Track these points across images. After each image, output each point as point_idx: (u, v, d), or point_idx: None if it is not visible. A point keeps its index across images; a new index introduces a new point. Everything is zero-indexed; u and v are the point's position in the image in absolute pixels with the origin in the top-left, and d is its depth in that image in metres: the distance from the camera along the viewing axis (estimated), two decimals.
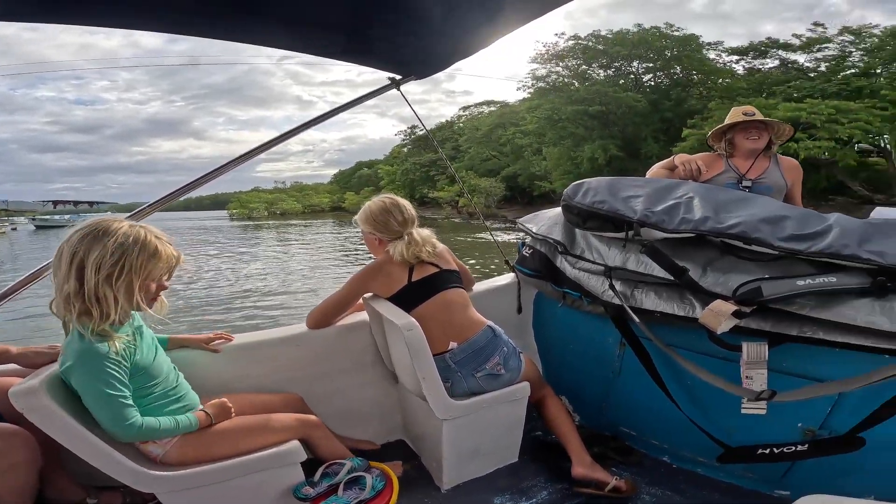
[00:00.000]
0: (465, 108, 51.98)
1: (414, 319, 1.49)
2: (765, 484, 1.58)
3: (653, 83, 26.30)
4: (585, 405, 2.02)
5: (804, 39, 22.93)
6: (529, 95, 30.82)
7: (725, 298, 1.36)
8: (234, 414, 1.39)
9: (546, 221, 2.01)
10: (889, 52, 20.03)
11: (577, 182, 1.86)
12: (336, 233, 29.59)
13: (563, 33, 27.71)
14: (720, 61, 25.94)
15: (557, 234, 1.90)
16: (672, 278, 1.49)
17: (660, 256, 1.52)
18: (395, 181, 47.50)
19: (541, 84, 28.25)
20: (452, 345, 1.57)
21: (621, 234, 1.65)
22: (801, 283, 1.29)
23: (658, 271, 1.53)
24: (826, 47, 22.51)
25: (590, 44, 25.50)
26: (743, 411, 1.37)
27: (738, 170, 2.08)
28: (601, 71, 27.00)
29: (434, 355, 1.52)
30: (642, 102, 23.64)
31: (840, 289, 1.26)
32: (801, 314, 1.29)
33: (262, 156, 2.00)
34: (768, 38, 24.63)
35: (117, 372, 1.16)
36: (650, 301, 1.56)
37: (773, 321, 1.34)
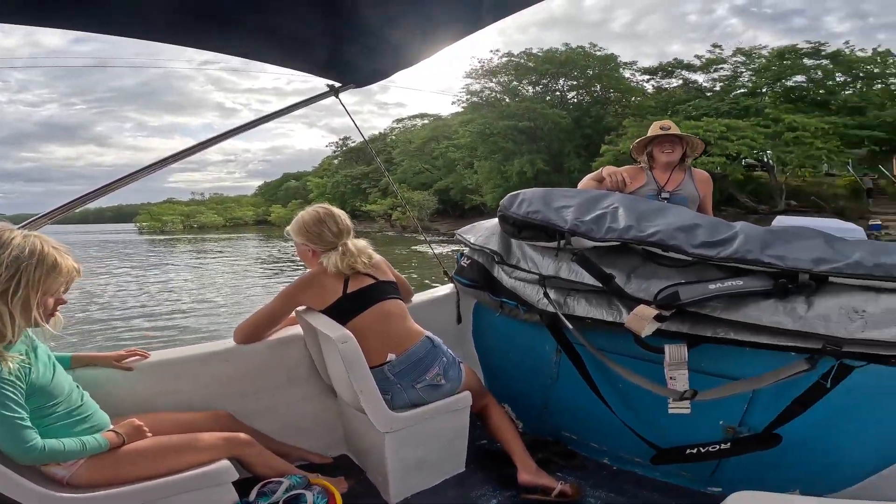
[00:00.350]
0: (398, 121, 52.15)
1: (348, 331, 1.46)
2: (698, 482, 1.64)
3: (576, 100, 27.91)
4: (527, 411, 2.04)
5: (704, 60, 25.54)
6: (462, 110, 31.61)
7: (648, 303, 1.43)
8: (149, 434, 1.28)
9: (483, 232, 2.03)
10: (773, 73, 22.78)
11: (513, 193, 1.89)
12: (270, 246, 28.18)
13: (497, 50, 28.70)
14: (634, 80, 28.12)
15: (494, 244, 1.92)
16: (601, 285, 1.56)
17: (589, 264, 1.58)
18: (326, 194, 46.32)
19: (474, 99, 29.07)
20: (391, 356, 1.55)
21: (554, 244, 1.70)
22: (712, 286, 1.37)
23: (588, 279, 1.59)
24: (721, 68, 25.18)
25: (521, 61, 26.71)
26: (670, 411, 1.43)
27: (658, 182, 2.23)
28: (530, 87, 28.25)
29: (372, 367, 1.49)
30: (566, 119, 25.13)
31: (746, 291, 1.34)
32: (714, 316, 1.37)
33: (176, 165, 1.86)
34: (675, 59, 27.14)
35: (12, 393, 1.07)
36: (582, 308, 1.62)
37: (691, 323, 1.42)
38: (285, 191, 64.51)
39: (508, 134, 26.24)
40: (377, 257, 1.70)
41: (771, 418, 1.42)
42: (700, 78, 26.45)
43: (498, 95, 28.28)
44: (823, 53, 21.90)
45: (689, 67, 26.57)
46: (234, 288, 13.40)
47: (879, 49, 21.28)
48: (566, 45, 26.56)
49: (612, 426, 1.64)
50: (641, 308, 1.42)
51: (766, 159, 21.03)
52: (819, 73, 22.29)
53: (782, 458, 1.45)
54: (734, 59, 24.77)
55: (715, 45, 25.69)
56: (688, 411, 1.42)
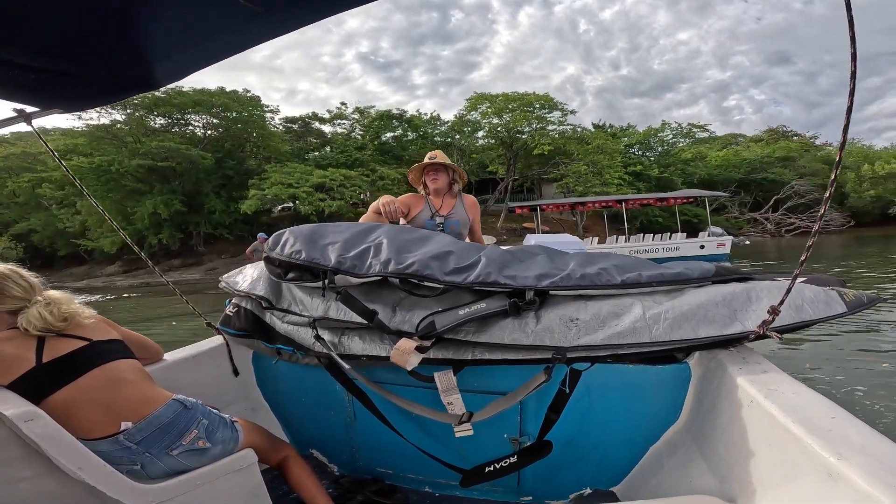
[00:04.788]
0: None
1: (35, 408, 1.16)
2: (510, 494, 1.66)
3: (214, 139, 26.78)
4: (337, 454, 1.95)
5: (332, 114, 30.59)
6: (60, 136, 24.92)
7: (411, 335, 1.45)
8: None
9: (251, 276, 1.93)
10: (374, 130, 29.43)
11: (279, 232, 1.81)
12: None
13: None
14: (274, 125, 29.74)
15: (261, 289, 1.83)
16: (367, 322, 1.54)
17: (352, 302, 1.56)
18: None
19: (98, 130, 23.57)
20: (126, 425, 1.30)
21: (319, 284, 1.67)
22: (461, 312, 1.42)
23: (355, 317, 1.56)
24: (343, 123, 30.77)
25: (165, 97, 23.63)
26: (456, 435, 1.44)
27: (433, 207, 2.37)
28: (160, 119, 25.38)
29: (99, 438, 1.27)
30: (209, 159, 24.26)
31: (489, 313, 1.41)
32: (468, 340, 1.43)
33: None
34: (312, 113, 31.21)
35: None
36: (357, 346, 1.59)
37: (454, 349, 1.46)
38: None
39: (136, 172, 23.18)
40: (88, 312, 1.44)
41: (538, 428, 1.50)
42: (327, 129, 31.49)
43: (128, 128, 24.09)
44: (403, 118, 30.38)
45: (321, 120, 31.27)
46: None
47: (434, 113, 31.53)
48: (222, 88, 25.55)
49: (419, 456, 1.63)
50: (402, 342, 1.44)
51: (365, 199, 26.19)
52: (400, 131, 30.71)
53: (565, 461, 1.52)
54: (353, 115, 30.88)
55: (343, 103, 31.31)
56: (471, 432, 1.45)
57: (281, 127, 30.75)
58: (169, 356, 1.79)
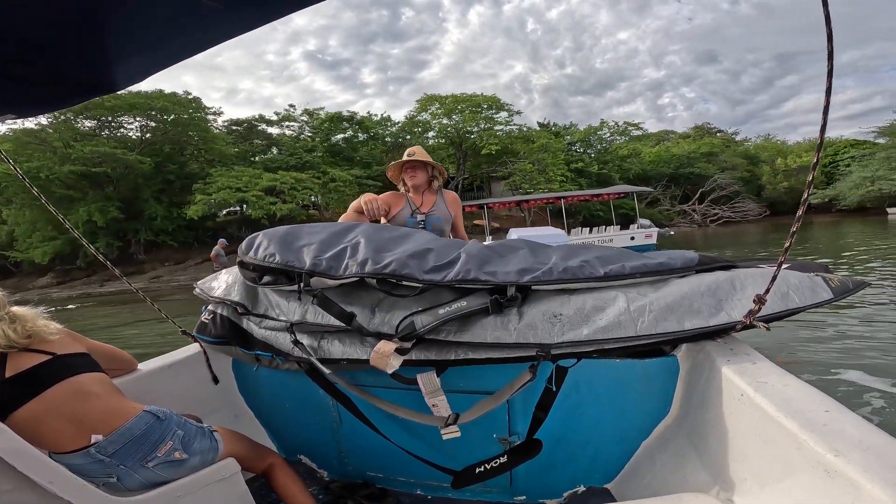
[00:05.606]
0: None
1: None
2: (503, 494, 1.64)
3: (153, 142, 25.60)
4: (325, 459, 1.93)
5: (280, 116, 29.98)
6: None
7: (390, 337, 1.42)
8: None
9: (226, 282, 1.88)
10: (324, 132, 29.23)
11: (252, 235, 1.78)
12: None
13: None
14: (216, 126, 28.73)
15: (237, 294, 1.78)
16: (345, 325, 1.50)
17: (329, 305, 1.52)
18: None
19: (25, 135, 21.88)
20: (96, 438, 1.29)
21: (295, 287, 1.60)
22: (442, 311, 1.39)
23: (334, 320, 1.52)
24: (291, 125, 30.23)
25: (97, 99, 22.35)
26: (443, 438, 1.40)
27: (413, 205, 2.30)
28: (88, 122, 23.93)
29: (69, 452, 1.26)
30: (147, 164, 23.34)
31: (470, 311, 1.36)
32: (450, 340, 1.38)
33: None
34: (259, 115, 30.47)
35: None
36: (336, 350, 1.55)
37: (436, 350, 1.42)
38: None
39: (69, 179, 21.89)
40: (54, 327, 1.42)
41: (527, 427, 1.48)
42: (275, 131, 30.94)
43: (56, 133, 22.50)
44: (354, 119, 30.42)
45: (269, 122, 30.65)
46: None
47: (385, 115, 31.59)
48: (160, 90, 24.26)
49: (408, 458, 1.61)
50: (381, 344, 1.40)
51: (315, 201, 26.45)
52: (350, 133, 30.80)
53: (557, 459, 1.51)
54: (302, 117, 30.46)
55: (291, 105, 31.31)
56: (458, 434, 1.40)
57: (224, 129, 29.88)
58: (143, 366, 1.76)
